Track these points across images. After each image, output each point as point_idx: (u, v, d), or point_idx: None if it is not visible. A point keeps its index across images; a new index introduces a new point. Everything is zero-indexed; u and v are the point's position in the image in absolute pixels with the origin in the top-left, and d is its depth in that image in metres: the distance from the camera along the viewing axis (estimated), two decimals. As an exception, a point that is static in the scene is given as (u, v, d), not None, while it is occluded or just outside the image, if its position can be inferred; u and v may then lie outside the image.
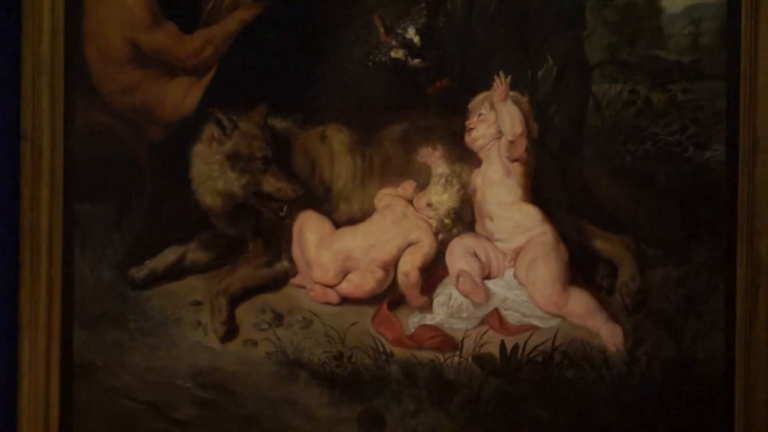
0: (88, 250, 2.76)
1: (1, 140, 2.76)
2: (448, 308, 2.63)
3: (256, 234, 2.75)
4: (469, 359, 2.60)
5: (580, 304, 2.59)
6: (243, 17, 2.79)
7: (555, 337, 2.57)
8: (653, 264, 2.60)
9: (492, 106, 2.65)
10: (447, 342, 2.61)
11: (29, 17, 2.74)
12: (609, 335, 2.57)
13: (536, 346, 2.58)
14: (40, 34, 2.74)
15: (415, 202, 2.70)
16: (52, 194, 2.74)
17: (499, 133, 2.64)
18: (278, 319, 2.70)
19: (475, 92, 2.68)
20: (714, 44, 2.58)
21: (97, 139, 2.78)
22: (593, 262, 2.63)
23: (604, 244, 2.63)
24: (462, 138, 2.69)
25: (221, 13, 2.80)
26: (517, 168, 2.64)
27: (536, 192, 2.65)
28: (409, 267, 2.65)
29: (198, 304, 2.74)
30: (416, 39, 2.71)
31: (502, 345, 2.59)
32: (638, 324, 2.57)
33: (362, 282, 2.68)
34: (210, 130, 2.71)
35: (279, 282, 2.74)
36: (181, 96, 2.79)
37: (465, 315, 2.63)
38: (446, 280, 2.66)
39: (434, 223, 2.67)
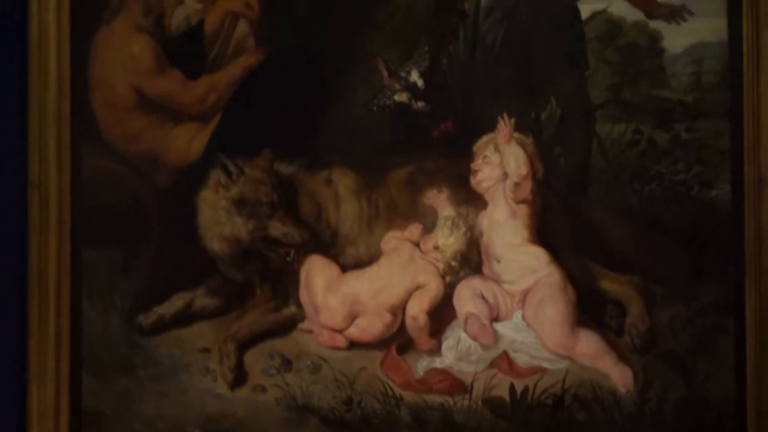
0: (95, 298, 2.76)
1: (8, 188, 2.77)
2: (457, 351, 2.63)
3: (264, 279, 2.75)
4: (479, 402, 2.59)
5: (589, 345, 2.58)
6: (247, 63, 2.80)
7: (565, 379, 2.57)
8: (662, 304, 2.59)
9: (497, 148, 2.65)
10: (456, 385, 2.60)
11: (35, 65, 2.76)
12: (619, 376, 2.56)
13: (546, 389, 2.57)
14: (47, 82, 2.76)
15: (421, 245, 2.70)
16: (60, 242, 2.75)
17: (505, 175, 2.65)
18: (287, 364, 2.69)
19: (479, 134, 2.69)
20: (716, 83, 2.59)
21: (104, 186, 2.79)
22: (601, 302, 2.63)
23: (612, 285, 2.63)
24: (467, 180, 2.68)
25: (225, 59, 2.82)
26: (523, 209, 2.64)
27: (542, 233, 2.65)
28: (417, 310, 2.65)
29: (206, 350, 2.74)
30: (420, 82, 2.73)
31: (512, 388, 2.58)
32: (648, 365, 2.56)
33: (370, 326, 2.68)
34: (216, 175, 2.72)
35: (287, 327, 2.74)
36: (187, 142, 2.81)
37: (474, 358, 2.62)
38: (454, 323, 2.66)
39: (441, 265, 2.67)
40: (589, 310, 2.62)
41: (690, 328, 2.55)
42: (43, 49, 2.76)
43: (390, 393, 2.62)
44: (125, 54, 2.81)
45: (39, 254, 2.73)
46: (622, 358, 2.58)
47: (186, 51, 2.82)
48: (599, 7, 2.64)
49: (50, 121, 2.76)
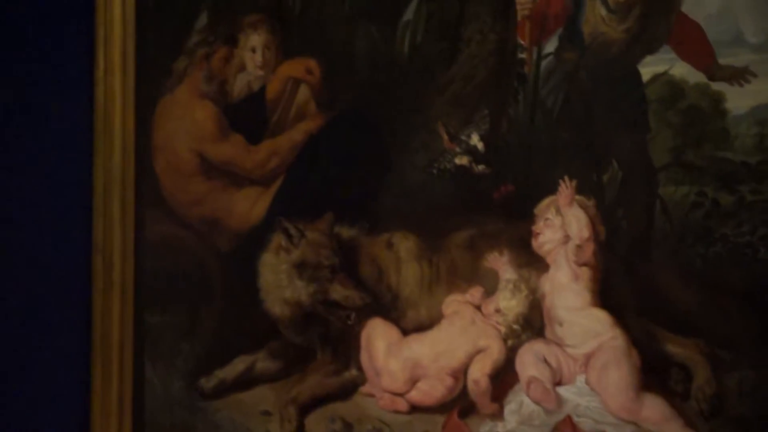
0: (158, 361, 2.79)
1: (73, 252, 2.82)
2: (520, 416, 2.60)
3: (325, 342, 2.76)
4: (543, 468, 2.56)
5: (654, 410, 2.53)
6: (308, 127, 2.84)
7: (630, 444, 2.53)
8: (729, 368, 2.54)
9: (558, 211, 2.64)
10: (519, 450, 2.58)
11: (101, 132, 2.83)
12: (686, 443, 2.51)
13: (611, 454, 2.53)
14: (112, 148, 2.82)
15: (483, 308, 2.69)
16: (123, 305, 2.79)
17: (566, 238, 2.63)
18: (348, 428, 2.69)
19: (540, 197, 2.68)
20: (780, 144, 2.57)
21: (167, 250, 2.83)
22: (666, 366, 2.58)
23: (677, 348, 2.59)
24: (529, 243, 2.67)
25: (287, 123, 2.86)
26: (585, 272, 2.62)
27: (605, 296, 2.62)
28: (479, 374, 2.63)
29: (267, 413, 2.74)
30: (480, 145, 2.74)
31: (576, 453, 2.55)
32: (716, 430, 2.51)
33: (432, 390, 2.66)
34: (277, 239, 2.74)
35: (348, 390, 2.74)
36: (249, 206, 2.84)
37: (537, 422, 2.59)
38: (517, 387, 2.63)
39: (503, 329, 2.65)
40: (654, 374, 2.57)
41: (759, 392, 2.50)
42: (108, 116, 2.83)
43: (452, 458, 2.60)
44: (188, 120, 2.87)
45: (102, 317, 2.78)
46: (689, 423, 2.52)
47: (248, 116, 2.86)
48: (660, 69, 2.64)
49: (115, 186, 2.81)
